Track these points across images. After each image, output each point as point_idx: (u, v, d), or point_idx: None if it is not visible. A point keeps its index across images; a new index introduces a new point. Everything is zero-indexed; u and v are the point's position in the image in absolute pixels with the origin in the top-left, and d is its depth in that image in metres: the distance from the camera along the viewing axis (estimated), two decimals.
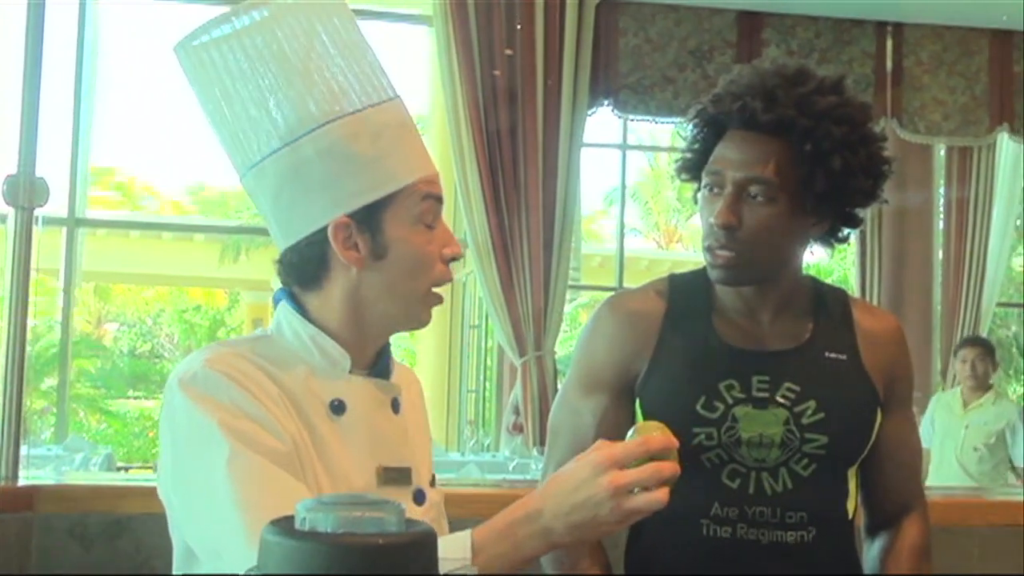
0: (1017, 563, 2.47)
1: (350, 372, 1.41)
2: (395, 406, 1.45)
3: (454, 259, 1.42)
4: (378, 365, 1.46)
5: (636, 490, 1.23)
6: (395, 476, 1.40)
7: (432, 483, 1.52)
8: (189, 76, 1.41)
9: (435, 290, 1.43)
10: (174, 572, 1.39)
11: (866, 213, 1.72)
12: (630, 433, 1.28)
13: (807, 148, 1.59)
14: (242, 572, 1.18)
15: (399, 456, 1.42)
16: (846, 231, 1.72)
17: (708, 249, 1.65)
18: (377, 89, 1.39)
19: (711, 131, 1.68)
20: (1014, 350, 16.80)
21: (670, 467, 1.23)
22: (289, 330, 1.41)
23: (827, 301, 1.76)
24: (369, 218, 1.36)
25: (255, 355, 1.36)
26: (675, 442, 1.26)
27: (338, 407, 1.38)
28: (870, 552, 1.81)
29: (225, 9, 1.38)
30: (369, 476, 1.37)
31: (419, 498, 1.43)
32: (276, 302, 1.46)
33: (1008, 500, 2.90)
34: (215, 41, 1.38)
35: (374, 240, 1.37)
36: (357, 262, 1.37)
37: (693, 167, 1.72)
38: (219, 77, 1.38)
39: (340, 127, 1.35)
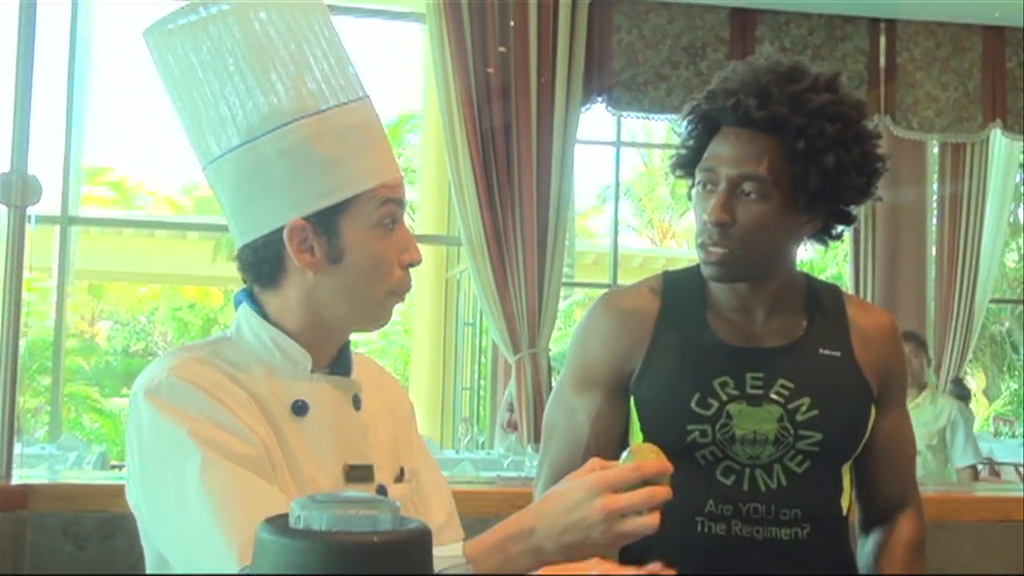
0: (1010, 558, 2.48)
1: (311, 372, 1.40)
2: (356, 403, 1.44)
3: (412, 265, 1.40)
4: (339, 363, 1.44)
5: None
6: (360, 474, 1.39)
7: (401, 478, 1.49)
8: (156, 63, 1.38)
9: (396, 295, 1.41)
10: (148, 570, 1.38)
11: (859, 210, 1.72)
12: (624, 455, 1.28)
13: (800, 146, 1.59)
14: None
15: (362, 453, 1.41)
16: (839, 228, 1.72)
17: (702, 246, 1.64)
18: (345, 88, 1.36)
19: (705, 128, 1.68)
20: (1007, 346, 16.84)
21: (663, 492, 1.24)
22: (250, 332, 1.40)
23: (821, 298, 1.76)
24: (326, 221, 1.34)
25: (218, 359, 1.35)
26: (669, 467, 1.26)
27: (300, 408, 1.36)
28: (864, 548, 1.81)
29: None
30: (335, 475, 1.37)
31: (381, 495, 1.42)
32: (237, 303, 1.44)
33: (1002, 496, 2.90)
34: (182, 28, 1.35)
35: (331, 244, 1.35)
36: (312, 266, 1.35)
37: (687, 164, 1.71)
38: (185, 65, 1.36)
39: (304, 127, 1.33)
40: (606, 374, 1.72)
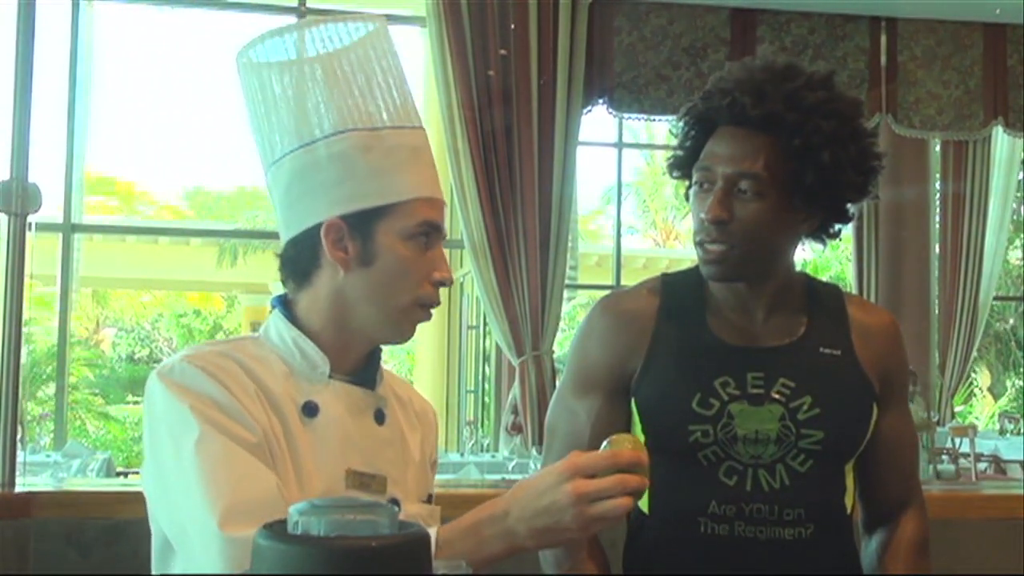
0: (1015, 556, 2.47)
1: (331, 377, 1.44)
2: (379, 416, 1.47)
3: (442, 284, 1.45)
4: (363, 373, 1.48)
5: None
6: (367, 481, 1.42)
7: (429, 501, 1.54)
8: (243, 85, 1.48)
9: (422, 307, 1.45)
10: (152, 565, 1.41)
11: (857, 209, 1.72)
12: (604, 444, 1.30)
13: (796, 143, 1.59)
14: (209, 547, 1.21)
15: (374, 464, 1.43)
16: (837, 226, 1.72)
17: (699, 244, 1.65)
18: (402, 116, 1.45)
19: (702, 128, 1.68)
20: (1012, 344, 16.81)
21: (636, 480, 1.25)
22: (275, 332, 1.46)
23: (821, 297, 1.76)
24: (363, 224, 1.40)
25: (239, 352, 1.41)
26: (645, 457, 1.28)
27: (311, 409, 1.40)
28: (868, 548, 1.81)
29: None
30: (336, 479, 1.39)
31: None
32: (272, 307, 1.50)
33: (1006, 494, 2.90)
34: (272, 65, 1.45)
35: (364, 246, 1.41)
36: (344, 263, 1.41)
37: (684, 164, 1.71)
38: (269, 93, 1.45)
39: (356, 137, 1.41)
40: (605, 376, 1.72)
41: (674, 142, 1.76)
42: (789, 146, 1.60)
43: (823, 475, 1.67)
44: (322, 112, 1.42)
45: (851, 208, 1.70)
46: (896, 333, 1.78)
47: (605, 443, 1.29)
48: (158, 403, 1.35)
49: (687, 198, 1.72)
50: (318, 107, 1.42)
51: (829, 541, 1.68)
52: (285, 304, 1.47)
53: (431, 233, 1.43)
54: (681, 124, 1.72)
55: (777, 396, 1.65)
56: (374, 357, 1.50)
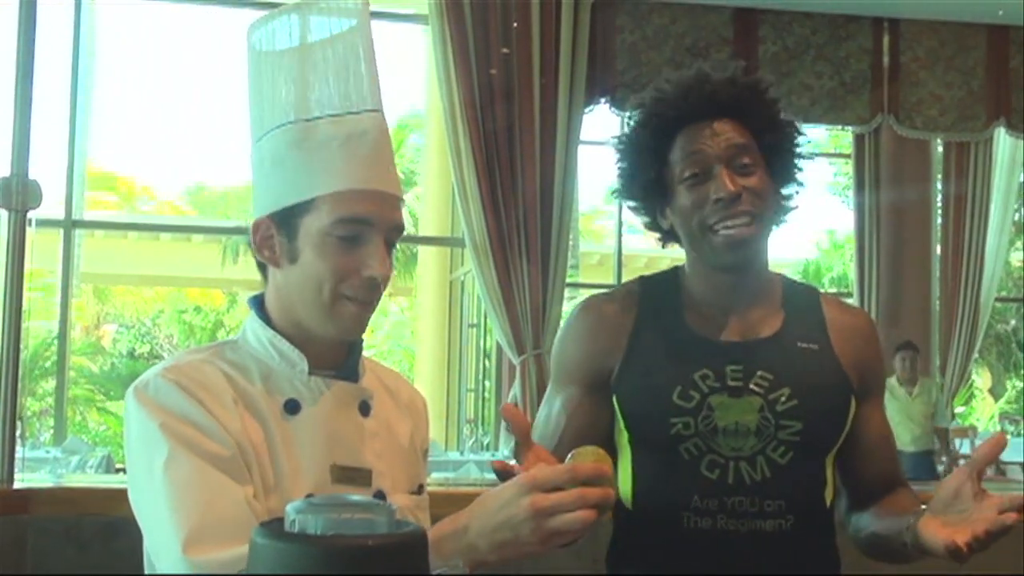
0: (1014, 557, 2.47)
1: (311, 373, 1.43)
2: (364, 408, 1.46)
3: (372, 280, 1.39)
4: (345, 367, 1.47)
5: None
6: (352, 476, 1.41)
7: (420, 492, 1.54)
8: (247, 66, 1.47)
9: (349, 299, 1.40)
10: (144, 565, 1.42)
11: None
12: (568, 458, 1.30)
13: (764, 118, 1.68)
14: (175, 570, 1.22)
15: (359, 457, 1.43)
16: (789, 205, 1.77)
17: (712, 229, 1.66)
18: (349, 101, 1.40)
19: (659, 138, 1.70)
20: (1013, 345, 16.83)
21: (598, 492, 1.24)
22: (252, 335, 1.45)
23: (797, 296, 1.80)
24: (288, 221, 1.39)
25: (218, 359, 1.41)
26: (607, 470, 1.28)
27: (292, 407, 1.40)
28: (860, 519, 1.79)
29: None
30: (320, 474, 1.39)
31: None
32: (250, 308, 1.50)
33: (1005, 495, 2.89)
34: (265, 49, 1.43)
35: (290, 243, 1.40)
36: (272, 261, 1.42)
37: (652, 179, 1.72)
38: (259, 75, 1.43)
39: (292, 130, 1.39)
40: (583, 372, 1.76)
41: (621, 165, 1.77)
42: (754, 121, 1.68)
43: (803, 468, 1.70)
44: (264, 106, 1.41)
45: (794, 188, 1.75)
46: (872, 332, 1.83)
47: (569, 456, 1.29)
48: (132, 421, 1.35)
49: (655, 228, 1.75)
50: (265, 99, 1.41)
51: (809, 534, 1.70)
52: (260, 305, 1.47)
53: (359, 228, 1.37)
54: (633, 141, 1.73)
55: (755, 388, 1.68)
56: (354, 350, 1.48)
